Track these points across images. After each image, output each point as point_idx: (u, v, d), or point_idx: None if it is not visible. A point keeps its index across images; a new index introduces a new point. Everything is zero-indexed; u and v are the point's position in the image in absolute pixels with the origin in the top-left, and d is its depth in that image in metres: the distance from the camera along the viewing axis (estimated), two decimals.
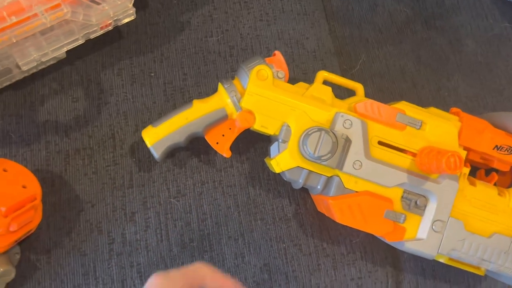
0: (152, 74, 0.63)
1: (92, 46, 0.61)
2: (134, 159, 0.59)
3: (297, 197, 0.61)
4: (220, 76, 0.64)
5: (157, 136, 0.54)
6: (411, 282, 0.64)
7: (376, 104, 0.55)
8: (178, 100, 0.62)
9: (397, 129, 0.55)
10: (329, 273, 0.60)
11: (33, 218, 0.49)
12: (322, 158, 0.52)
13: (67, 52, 0.57)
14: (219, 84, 0.56)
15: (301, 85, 0.56)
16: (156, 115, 0.61)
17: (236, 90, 0.55)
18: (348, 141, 0.53)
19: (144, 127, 0.59)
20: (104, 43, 0.62)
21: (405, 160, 0.55)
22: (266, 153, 0.58)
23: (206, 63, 0.64)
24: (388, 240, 0.55)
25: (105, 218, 0.56)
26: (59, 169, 0.57)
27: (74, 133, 0.58)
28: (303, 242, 0.60)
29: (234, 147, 0.61)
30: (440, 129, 0.55)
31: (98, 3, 0.53)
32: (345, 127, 0.53)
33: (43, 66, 0.58)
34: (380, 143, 0.55)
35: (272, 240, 0.59)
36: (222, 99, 0.55)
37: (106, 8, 0.54)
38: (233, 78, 0.57)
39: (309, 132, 0.53)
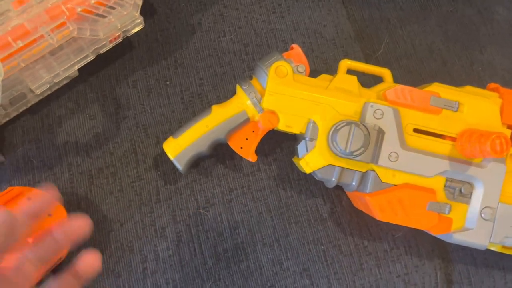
0: (168, 83, 0.60)
1: (104, 61, 0.59)
2: (158, 172, 0.57)
3: (331, 195, 0.58)
4: (237, 76, 0.61)
5: (179, 148, 0.52)
6: (462, 272, 0.60)
7: (407, 89, 0.51)
8: (197, 106, 0.60)
9: (432, 114, 0.51)
10: (373, 272, 0.56)
11: None
12: (355, 154, 0.49)
13: (79, 69, 0.55)
14: (237, 86, 0.53)
15: (324, 77, 0.53)
16: (176, 124, 0.59)
17: (256, 90, 0.52)
18: (381, 132, 0.49)
19: (165, 138, 0.57)
20: (115, 56, 0.60)
21: (444, 146, 0.50)
22: (294, 153, 0.55)
23: (222, 65, 0.61)
24: (434, 234, 0.51)
25: (135, 236, 0.55)
26: (84, 191, 0.55)
27: (95, 152, 0.57)
28: (343, 242, 0.57)
29: (259, 149, 0.58)
30: (479, 109, 0.51)
31: (104, 16, 0.51)
32: (376, 118, 0.49)
33: (57, 87, 0.57)
34: (415, 130, 0.51)
35: (309, 243, 0.56)
36: (241, 101, 0.52)
37: (113, 20, 0.52)
38: (251, 78, 0.54)
39: (338, 127, 0.49)
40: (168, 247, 0.55)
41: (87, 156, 0.56)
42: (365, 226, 0.57)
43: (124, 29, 0.54)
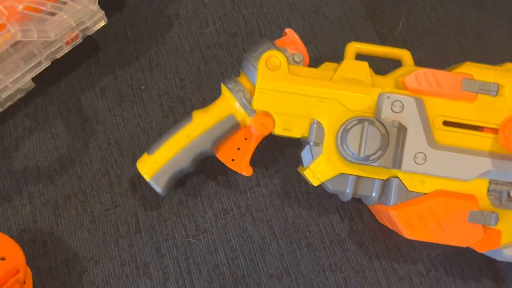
0: (143, 87, 0.56)
1: (64, 67, 0.56)
2: (137, 197, 0.53)
3: (349, 210, 0.53)
4: (225, 73, 0.57)
5: (155, 166, 0.48)
6: None
7: (431, 72, 0.46)
8: (179, 113, 0.56)
9: (465, 101, 0.46)
10: None
11: None
12: (371, 158, 0.44)
13: (35, 80, 0.52)
14: (222, 86, 0.49)
15: (327, 66, 0.48)
16: (156, 136, 0.55)
17: (244, 89, 0.48)
18: (402, 129, 0.45)
19: (142, 154, 0.53)
20: (78, 61, 0.56)
21: (483, 141, 0.45)
22: (299, 161, 0.51)
23: (206, 61, 0.57)
24: (479, 251, 0.46)
25: (113, 276, 0.51)
26: (49, 225, 0.52)
27: (61, 177, 0.53)
28: (367, 266, 0.52)
29: (257, 159, 0.54)
30: None
31: (53, 14, 0.48)
32: (394, 112, 0.45)
33: (10, 103, 0.54)
34: (445, 123, 0.46)
35: (325, 270, 0.52)
36: (228, 104, 0.48)
37: (65, 17, 0.48)
38: (238, 74, 0.50)
39: (348, 127, 0.45)
40: (153, 286, 0.50)
41: (51, 183, 0.53)
42: (394, 245, 0.52)
43: (81, 27, 0.50)
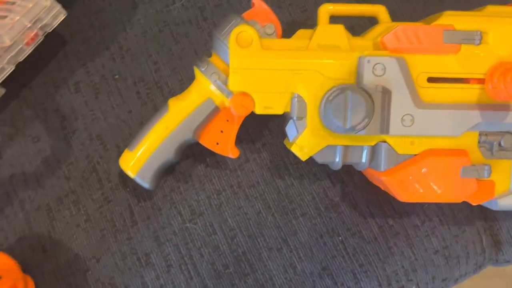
0: (116, 76, 0.49)
1: (32, 67, 0.48)
2: (128, 189, 0.47)
3: (339, 174, 0.48)
4: (199, 50, 0.50)
5: (138, 162, 0.42)
6: (511, 229, 0.50)
7: (410, 28, 0.39)
8: (158, 98, 0.49)
9: (448, 54, 0.39)
10: (406, 254, 0.47)
11: None
12: (358, 128, 0.38)
13: (4, 84, 0.44)
14: (195, 69, 0.42)
15: (301, 34, 0.41)
16: (137, 126, 0.48)
17: (218, 70, 0.41)
18: (386, 92, 0.38)
19: (127, 145, 0.47)
20: (45, 58, 0.49)
21: (470, 93, 0.39)
22: (285, 132, 0.45)
23: (177, 40, 0.50)
24: (474, 204, 0.41)
25: (116, 270, 0.46)
26: (45, 229, 0.46)
27: (49, 180, 0.47)
28: (363, 227, 0.47)
29: (242, 135, 0.47)
30: (509, 34, 0.39)
31: (3, 17, 0.40)
32: (376, 75, 0.38)
33: None
34: (430, 80, 0.39)
35: (323, 236, 0.47)
36: (203, 87, 0.41)
37: (17, 18, 0.40)
38: (209, 54, 0.43)
39: (330, 97, 0.38)
40: (158, 275, 0.46)
41: (40, 187, 0.47)
42: (387, 202, 0.47)
43: (39, 24, 0.43)
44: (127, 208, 0.47)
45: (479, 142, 0.40)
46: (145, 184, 0.42)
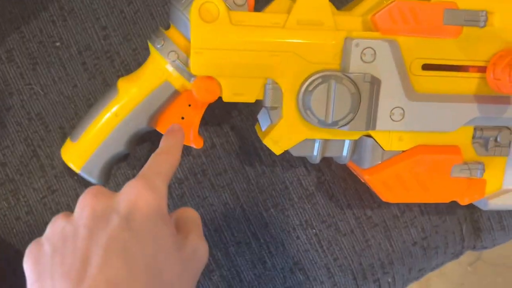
0: (58, 44, 0.42)
1: None
2: (75, 177, 0.42)
3: None
4: (155, 14, 0.43)
5: (83, 155, 0.36)
6: (492, 217, 0.48)
7: (407, 5, 0.33)
8: (108, 70, 0.42)
9: (448, 37, 0.34)
10: (384, 246, 0.44)
11: None
12: (340, 123, 0.33)
13: None
14: (149, 45, 0.35)
15: (278, 6, 0.35)
16: (84, 104, 0.42)
17: (177, 47, 0.34)
18: (375, 82, 0.33)
19: (73, 126, 0.41)
20: None
21: (469, 83, 0.35)
22: (256, 114, 0.39)
23: (130, 0, 0.42)
24: (463, 204, 0.38)
25: None
26: None
27: None
28: (339, 218, 0.44)
29: (207, 117, 0.42)
30: None
31: None
32: (365, 62, 0.33)
33: None
34: (425, 67, 0.34)
35: (296, 229, 0.43)
36: (160, 68, 0.35)
37: None
38: (167, 26, 0.36)
39: (310, 87, 0.33)
40: None
41: None
42: (366, 191, 0.44)
43: None
44: (75, 198, 0.41)
45: (473, 137, 0.36)
46: (93, 179, 0.37)
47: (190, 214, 0.31)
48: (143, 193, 0.27)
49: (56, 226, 0.27)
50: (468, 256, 0.48)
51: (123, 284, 0.24)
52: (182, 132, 0.35)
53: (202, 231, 0.30)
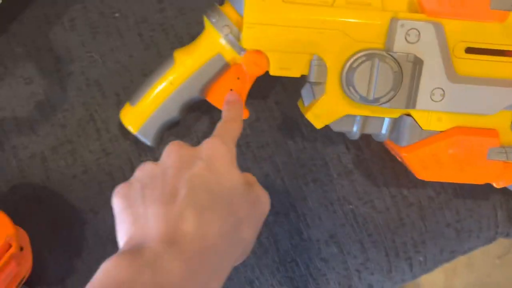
0: (117, 15, 0.46)
1: None
2: (128, 141, 0.46)
3: (355, 139, 0.46)
4: None
5: (140, 118, 0.40)
6: None
7: None
8: (162, 42, 0.46)
9: (493, 22, 0.36)
10: (417, 226, 0.47)
11: (18, 269, 0.40)
12: (381, 100, 0.36)
13: None
14: (205, 19, 0.39)
15: None
16: (139, 72, 0.46)
17: (230, 22, 0.38)
18: (418, 63, 0.36)
19: (128, 93, 0.45)
20: None
21: (511, 67, 0.37)
22: (299, 90, 0.43)
23: None
24: (498, 186, 0.40)
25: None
26: (39, 179, 0.46)
27: (43, 127, 0.46)
28: (376, 196, 0.47)
29: (252, 91, 0.45)
30: None
31: None
32: (409, 42, 0.36)
33: None
34: (468, 50, 0.37)
35: (333, 203, 0.47)
36: (213, 41, 0.39)
37: None
38: (221, 2, 0.40)
39: (354, 64, 0.36)
40: None
41: (34, 134, 0.46)
42: (403, 171, 0.47)
43: None
44: (128, 161, 0.46)
45: None
46: (147, 141, 0.41)
47: (249, 175, 0.36)
48: (219, 146, 0.33)
49: (145, 168, 0.32)
50: (497, 248, 0.50)
51: (207, 209, 0.29)
52: (241, 101, 0.40)
53: None
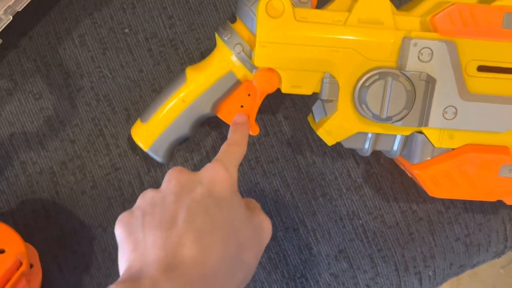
0: (127, 30, 0.46)
1: (33, 15, 0.45)
2: (137, 157, 0.46)
3: None
4: (219, 5, 0.46)
5: (151, 135, 0.40)
6: None
7: (466, 8, 0.35)
8: (172, 58, 0.46)
9: (505, 40, 0.36)
10: (427, 240, 0.47)
11: (29, 286, 0.39)
12: (394, 118, 0.36)
13: (2, 33, 0.42)
14: (216, 37, 0.39)
15: (339, 4, 0.38)
16: (149, 88, 0.46)
17: (242, 40, 0.38)
18: (430, 81, 0.36)
19: (137, 110, 0.46)
20: (47, 5, 0.46)
21: None
22: (309, 105, 0.43)
23: None
24: (509, 204, 0.40)
25: None
26: (48, 194, 0.46)
27: (52, 142, 0.46)
28: (385, 211, 0.47)
29: (261, 106, 0.45)
30: None
31: None
32: (422, 61, 0.36)
33: None
34: (480, 68, 0.37)
35: (343, 218, 0.46)
36: (225, 58, 0.39)
37: None
38: (233, 20, 0.40)
39: (366, 82, 0.36)
40: None
41: (43, 149, 0.46)
42: (412, 186, 0.47)
43: None
44: (137, 176, 0.46)
45: None
46: (158, 158, 0.41)
47: (252, 200, 0.36)
48: (220, 171, 0.33)
49: (146, 196, 0.32)
50: (501, 258, 0.50)
51: (207, 234, 0.29)
52: (248, 124, 0.39)
53: None
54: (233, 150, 0.36)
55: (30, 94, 0.46)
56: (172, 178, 0.33)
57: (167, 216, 0.30)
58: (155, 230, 0.29)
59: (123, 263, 0.30)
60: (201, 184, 0.32)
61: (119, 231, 0.32)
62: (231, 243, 0.31)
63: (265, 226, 0.34)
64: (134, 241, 0.30)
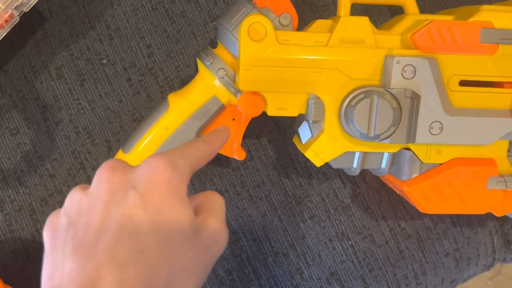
0: (104, 61, 0.44)
1: (7, 49, 0.43)
2: None
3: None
4: (197, 32, 0.45)
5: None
6: None
7: (445, 24, 0.35)
8: (152, 86, 0.44)
9: (484, 55, 0.35)
10: (417, 257, 0.45)
11: None
12: (382, 136, 0.35)
13: None
14: (198, 62, 0.38)
15: (320, 25, 0.37)
16: (129, 118, 0.44)
17: (225, 65, 0.36)
18: (415, 98, 0.35)
19: (117, 140, 0.43)
20: (22, 38, 0.43)
21: (504, 98, 0.36)
22: (293, 127, 0.41)
23: (173, 20, 0.45)
24: (498, 215, 0.39)
25: None
26: (28, 232, 0.43)
27: (31, 178, 0.43)
28: (374, 230, 0.45)
29: (246, 131, 0.44)
30: None
31: None
32: (406, 78, 0.35)
33: None
34: (462, 83, 0.36)
35: (332, 240, 0.45)
36: (208, 83, 0.37)
37: None
38: (215, 45, 0.38)
39: (352, 102, 0.35)
40: None
41: (22, 186, 0.43)
42: (399, 203, 0.45)
43: (14, 4, 0.37)
44: None
45: (509, 150, 0.37)
46: None
47: (213, 198, 0.29)
48: (162, 170, 0.26)
49: (74, 198, 0.27)
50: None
51: (132, 264, 0.24)
52: (228, 132, 0.34)
53: (225, 216, 0.29)
54: (194, 146, 0.29)
55: (6, 130, 0.43)
56: (102, 180, 0.26)
57: (90, 234, 0.25)
58: (73, 255, 0.24)
59: (43, 284, 0.26)
60: (135, 189, 0.25)
61: (46, 239, 0.27)
62: (162, 273, 0.25)
63: (218, 238, 0.27)
64: (53, 264, 0.25)
